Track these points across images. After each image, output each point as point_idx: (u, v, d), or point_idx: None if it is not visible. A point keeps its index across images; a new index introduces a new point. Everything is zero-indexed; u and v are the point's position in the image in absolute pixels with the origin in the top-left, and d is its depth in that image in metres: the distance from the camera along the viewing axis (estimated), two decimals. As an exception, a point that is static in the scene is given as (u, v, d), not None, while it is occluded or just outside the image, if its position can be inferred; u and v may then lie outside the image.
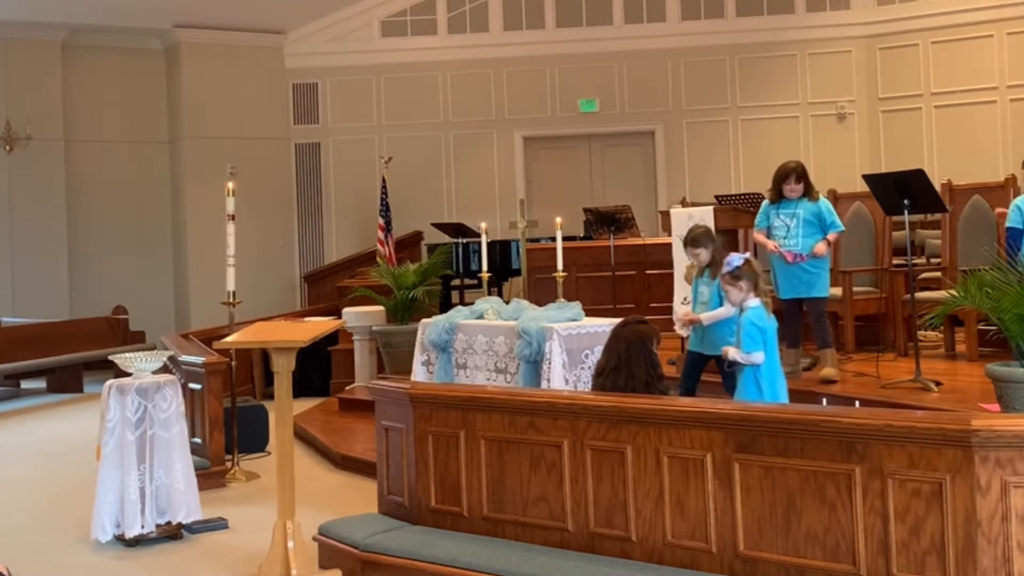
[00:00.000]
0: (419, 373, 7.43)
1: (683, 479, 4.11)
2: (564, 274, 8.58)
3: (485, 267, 9.55)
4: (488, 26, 14.19)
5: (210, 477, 6.98)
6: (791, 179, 6.78)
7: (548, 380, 6.42)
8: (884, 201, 6.76)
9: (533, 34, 14.14)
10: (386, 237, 12.63)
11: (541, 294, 9.10)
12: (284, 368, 5.01)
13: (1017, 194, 8.49)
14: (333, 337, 10.52)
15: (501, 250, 11.99)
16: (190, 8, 13.52)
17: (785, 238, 6.81)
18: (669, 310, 7.56)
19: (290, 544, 4.90)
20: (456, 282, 12.28)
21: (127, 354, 5.96)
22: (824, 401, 6.19)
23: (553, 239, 9.13)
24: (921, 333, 7.06)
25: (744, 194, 8.69)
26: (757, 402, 4.91)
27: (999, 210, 6.60)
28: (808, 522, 3.81)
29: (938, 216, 8.79)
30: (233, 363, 7.65)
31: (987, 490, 3.47)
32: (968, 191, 8.04)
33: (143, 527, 5.64)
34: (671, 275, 7.52)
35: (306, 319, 6.13)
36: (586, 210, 10.75)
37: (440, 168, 14.28)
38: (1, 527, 6.22)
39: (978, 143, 12.55)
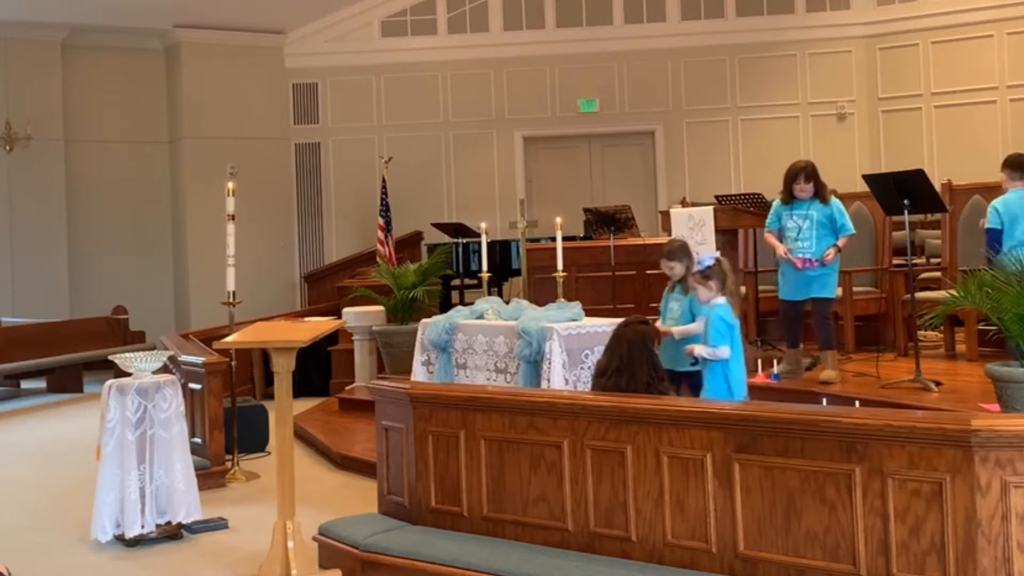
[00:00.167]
0: (419, 373, 7.43)
1: (683, 479, 4.11)
2: (564, 274, 8.58)
3: (485, 267, 9.55)
4: (488, 26, 14.19)
5: (210, 477, 6.98)
6: (800, 179, 6.73)
7: (548, 380, 6.42)
8: (884, 201, 6.76)
9: (533, 34, 14.14)
10: (386, 237, 12.63)
11: (541, 294, 9.09)
12: (284, 368, 5.01)
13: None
14: (333, 337, 10.52)
15: (501, 250, 11.99)
16: (190, 8, 13.52)
17: (797, 240, 6.76)
18: (669, 310, 7.54)
19: (290, 544, 4.90)
20: (456, 282, 12.28)
21: (127, 354, 5.96)
22: (824, 401, 6.19)
23: (553, 239, 9.12)
24: (921, 333, 7.07)
25: (744, 194, 8.68)
26: (757, 402, 4.92)
27: (983, 221, 6.65)
28: (808, 522, 3.81)
29: (938, 216, 8.79)
30: (233, 363, 7.65)
31: (987, 490, 3.47)
32: (968, 191, 8.04)
33: (143, 527, 5.64)
34: (671, 275, 7.50)
35: (306, 319, 6.13)
36: (586, 210, 10.74)
37: (440, 168, 14.28)
38: (1, 527, 6.22)
39: (978, 143, 12.54)
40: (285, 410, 5.05)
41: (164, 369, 6.48)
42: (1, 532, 6.10)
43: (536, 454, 4.56)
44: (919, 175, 6.54)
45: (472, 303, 7.64)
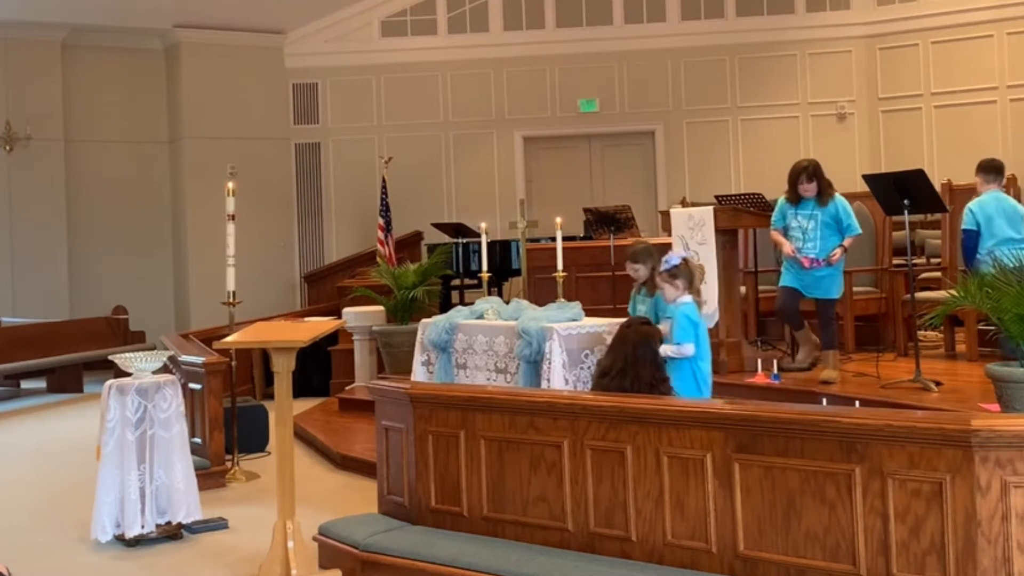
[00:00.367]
0: (419, 373, 7.42)
1: (683, 479, 4.11)
2: (564, 274, 8.58)
3: (485, 267, 9.55)
4: (488, 26, 14.19)
5: (210, 477, 6.98)
6: (802, 178, 6.72)
7: (548, 380, 6.41)
8: (884, 201, 6.76)
9: (533, 34, 14.14)
10: (386, 237, 12.63)
11: (541, 294, 9.09)
12: (284, 368, 5.01)
13: (1017, 194, 8.53)
14: (333, 337, 10.53)
15: (501, 250, 11.98)
16: (190, 8, 13.52)
17: (802, 241, 6.76)
18: (669, 310, 7.54)
19: (290, 544, 4.90)
20: (456, 282, 12.27)
21: (127, 354, 5.96)
22: (824, 401, 6.19)
23: (553, 239, 9.12)
24: (921, 333, 7.07)
25: (744, 194, 8.68)
26: (757, 402, 4.91)
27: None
28: (808, 522, 3.81)
29: (938, 216, 8.79)
30: (233, 363, 7.65)
31: (987, 490, 3.47)
32: (968, 191, 8.02)
33: (143, 527, 5.64)
34: (671, 275, 7.50)
35: (306, 319, 6.13)
36: (586, 210, 10.73)
37: (440, 168, 14.28)
38: (1, 527, 6.22)
39: (978, 143, 12.51)
40: (285, 410, 5.05)
41: (164, 369, 6.48)
42: (1, 532, 6.10)
43: (536, 454, 4.56)
44: (919, 175, 6.54)
45: (472, 303, 7.63)
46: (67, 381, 12.04)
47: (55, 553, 5.66)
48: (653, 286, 5.84)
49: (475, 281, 11.14)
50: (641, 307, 6.01)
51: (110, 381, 5.79)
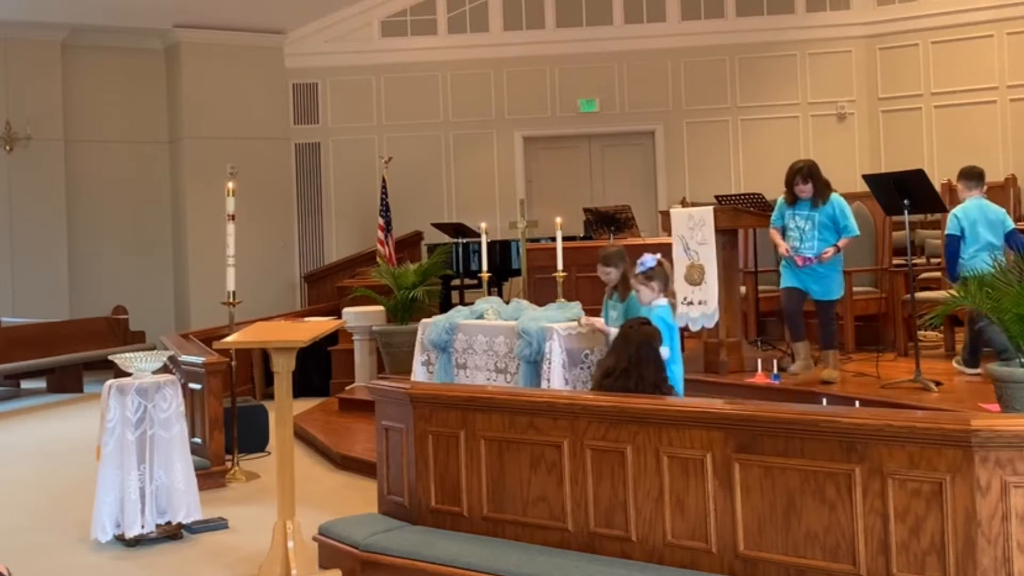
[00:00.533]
0: (419, 373, 7.42)
1: (683, 479, 4.11)
2: (564, 274, 8.58)
3: (485, 267, 9.55)
4: (488, 26, 14.19)
5: (210, 477, 6.98)
6: (798, 179, 6.69)
7: (548, 380, 6.41)
8: (884, 201, 6.75)
9: (533, 34, 14.14)
10: (386, 237, 12.63)
11: (541, 294, 9.10)
12: (284, 368, 5.01)
13: (1017, 194, 8.54)
14: (333, 337, 10.53)
15: (501, 250, 11.99)
16: (190, 8, 13.52)
17: (799, 241, 6.74)
18: (669, 310, 7.54)
19: (290, 544, 4.90)
20: (456, 282, 12.28)
21: (127, 354, 5.96)
22: (824, 401, 6.19)
23: (553, 239, 9.13)
24: (921, 333, 7.07)
25: (744, 194, 8.68)
26: (757, 402, 4.92)
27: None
28: (808, 522, 3.81)
29: (938, 216, 8.78)
30: (233, 363, 7.65)
31: (987, 490, 3.47)
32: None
33: (143, 527, 5.64)
34: (671, 275, 7.50)
35: (306, 319, 6.13)
36: (586, 210, 10.74)
37: (440, 168, 14.28)
38: (1, 527, 6.22)
39: (978, 143, 12.53)
40: (285, 410, 5.05)
41: (164, 369, 6.48)
42: (1, 532, 6.10)
43: (536, 454, 4.56)
44: (919, 175, 6.54)
45: (472, 303, 7.64)
46: (67, 381, 12.04)
47: (55, 553, 5.66)
48: (625, 289, 5.83)
49: (475, 281, 11.14)
50: (612, 312, 6.01)
51: (110, 381, 5.79)
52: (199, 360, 7.40)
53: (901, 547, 3.61)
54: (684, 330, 7.74)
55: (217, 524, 6.01)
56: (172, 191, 14.29)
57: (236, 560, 5.37)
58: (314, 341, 5.18)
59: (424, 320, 7.60)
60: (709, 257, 7.24)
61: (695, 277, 7.30)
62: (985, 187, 6.92)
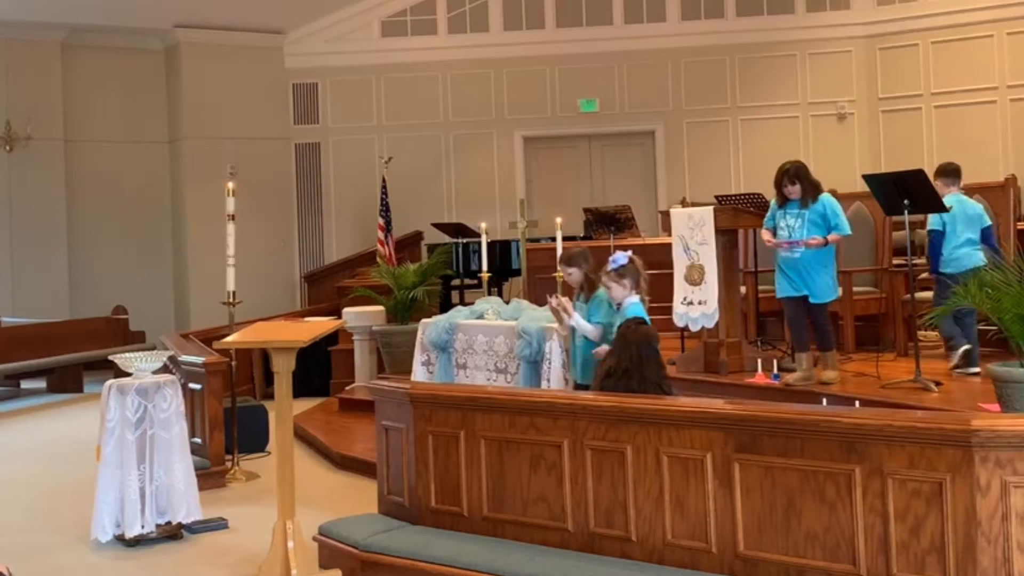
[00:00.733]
0: (419, 373, 7.43)
1: (683, 479, 4.11)
2: (564, 274, 8.57)
3: (485, 267, 9.55)
4: (488, 26, 14.19)
5: (210, 477, 6.98)
6: (785, 180, 6.71)
7: (548, 380, 6.42)
8: (884, 201, 6.75)
9: (533, 34, 14.13)
10: (386, 237, 12.64)
11: (541, 294, 9.08)
12: (284, 368, 5.01)
13: (1017, 194, 8.52)
14: (333, 337, 10.53)
15: (501, 250, 11.99)
16: (190, 8, 13.52)
17: (789, 239, 6.74)
18: (669, 310, 7.55)
19: (290, 544, 4.91)
20: (456, 282, 12.28)
21: (127, 354, 5.97)
22: (824, 401, 6.19)
23: (553, 239, 9.13)
24: (921, 333, 7.06)
25: (744, 194, 8.68)
26: (757, 402, 4.92)
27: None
28: (808, 522, 3.81)
29: (938, 216, 8.77)
30: (233, 363, 7.66)
31: (987, 490, 3.47)
32: (968, 191, 8.02)
33: (143, 527, 5.64)
34: (671, 275, 7.50)
35: (306, 319, 6.13)
36: (586, 210, 10.73)
37: (440, 168, 14.29)
38: (1, 527, 6.22)
39: (978, 143, 12.53)
40: (285, 410, 5.05)
41: (164, 369, 6.49)
42: (1, 532, 6.11)
43: (536, 454, 4.56)
44: (919, 175, 6.54)
45: (472, 303, 7.65)
46: (67, 381, 12.04)
47: (55, 553, 5.66)
48: (590, 289, 5.80)
49: (475, 281, 11.14)
50: (578, 312, 5.98)
51: (110, 381, 5.80)
52: (199, 360, 7.40)
53: (901, 547, 3.61)
54: (684, 330, 7.77)
55: (217, 524, 6.01)
56: (172, 191, 14.29)
57: (236, 560, 5.38)
58: (314, 341, 5.18)
59: (424, 320, 7.61)
60: (709, 257, 7.23)
61: (695, 277, 7.30)
62: (961, 183, 7.08)
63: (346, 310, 10.04)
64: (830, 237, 6.64)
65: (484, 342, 7.00)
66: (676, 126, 13.97)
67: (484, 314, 7.25)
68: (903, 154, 12.51)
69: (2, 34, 13.16)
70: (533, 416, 4.59)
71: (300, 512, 5.06)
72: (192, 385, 7.41)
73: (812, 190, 6.70)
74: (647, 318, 5.32)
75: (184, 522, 5.79)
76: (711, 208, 7.41)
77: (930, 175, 6.76)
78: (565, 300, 5.81)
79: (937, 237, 6.75)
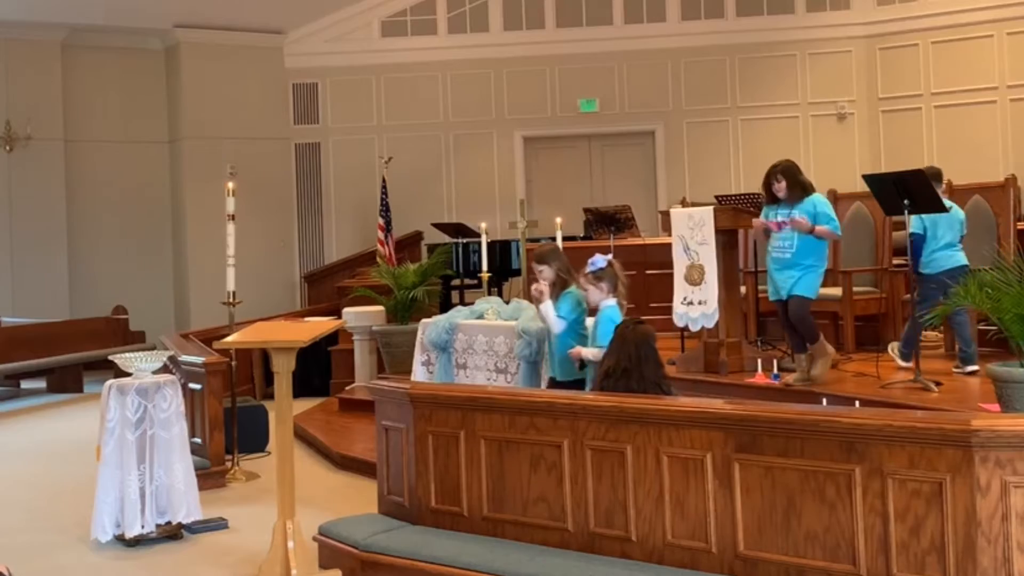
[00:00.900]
0: (419, 373, 7.43)
1: (683, 479, 4.11)
2: (564, 274, 8.56)
3: (485, 267, 9.55)
4: (488, 26, 14.19)
5: (210, 477, 6.98)
6: (772, 179, 6.74)
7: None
8: (884, 201, 6.76)
9: (533, 34, 14.13)
10: (386, 237, 12.64)
11: (541, 294, 9.08)
12: (284, 368, 5.01)
13: (1017, 194, 8.53)
14: (333, 337, 10.53)
15: (501, 250, 11.99)
16: (190, 8, 13.52)
17: (779, 239, 6.73)
18: (669, 310, 7.56)
19: (290, 544, 4.91)
20: (456, 282, 12.28)
21: (127, 354, 5.97)
22: (824, 401, 6.19)
23: (553, 239, 9.12)
24: (921, 333, 7.07)
25: (744, 194, 8.69)
26: (757, 402, 4.92)
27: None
28: (808, 522, 3.81)
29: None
30: (233, 363, 7.66)
31: (987, 490, 3.47)
32: (968, 191, 8.04)
33: (143, 527, 5.64)
34: (671, 275, 7.51)
35: (306, 319, 6.13)
36: (586, 210, 10.74)
37: (440, 168, 14.29)
38: (1, 527, 6.22)
39: (978, 143, 12.54)
40: (285, 410, 5.05)
41: (164, 369, 6.49)
42: (1, 531, 6.11)
43: (536, 454, 4.56)
44: (919, 175, 6.55)
45: (472, 303, 7.64)
46: (67, 381, 12.04)
47: (55, 553, 5.66)
48: (562, 287, 5.76)
49: (475, 281, 11.15)
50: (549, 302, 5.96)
51: (110, 381, 5.80)
52: (199, 360, 7.40)
53: (901, 547, 3.61)
54: (684, 330, 7.77)
55: (217, 524, 6.01)
56: (172, 191, 14.29)
57: (236, 560, 5.38)
58: (314, 341, 5.18)
59: (424, 320, 7.60)
60: (709, 257, 7.23)
61: (695, 277, 7.31)
62: (944, 186, 7.21)
63: (346, 310, 10.04)
64: (817, 227, 6.59)
65: (484, 342, 7.00)
66: (676, 126, 13.97)
67: (484, 314, 7.24)
68: (903, 154, 12.51)
69: (2, 34, 13.16)
70: (533, 416, 4.59)
71: (300, 512, 5.07)
72: (192, 385, 7.41)
73: (799, 188, 6.69)
74: (620, 320, 5.30)
75: (184, 522, 5.79)
76: (711, 208, 7.42)
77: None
78: (545, 286, 5.80)
79: (918, 240, 6.84)
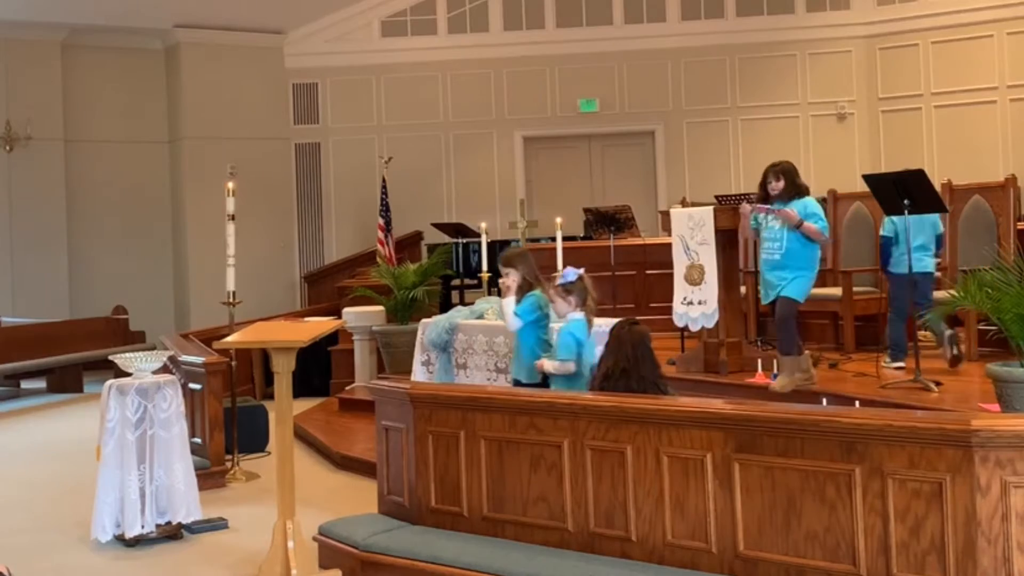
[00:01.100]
0: (419, 373, 7.43)
1: (683, 479, 4.12)
2: (564, 274, 8.56)
3: (485, 267, 9.55)
4: (488, 26, 14.18)
5: (210, 477, 6.98)
6: (769, 177, 6.72)
7: (548, 380, 6.39)
8: (884, 201, 6.76)
9: (533, 34, 14.13)
10: (386, 237, 12.63)
11: (541, 294, 9.08)
12: (284, 368, 5.01)
13: (1017, 194, 8.52)
14: (333, 337, 10.52)
15: (501, 250, 11.91)
16: (190, 8, 13.52)
17: (769, 241, 6.69)
18: (669, 310, 7.56)
19: (290, 544, 4.90)
20: (456, 282, 12.28)
21: (127, 354, 5.97)
22: (824, 401, 6.19)
23: (553, 239, 9.13)
24: (921, 333, 7.07)
25: (744, 194, 8.69)
26: (757, 402, 4.92)
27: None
28: (808, 522, 3.81)
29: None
30: (233, 363, 7.65)
31: (987, 490, 3.47)
32: (968, 191, 8.03)
33: (143, 527, 5.64)
34: (671, 275, 7.51)
35: (306, 319, 6.13)
36: (586, 210, 10.75)
37: (440, 168, 14.28)
38: (1, 527, 6.22)
39: (978, 143, 12.54)
40: (285, 410, 5.05)
41: (164, 369, 6.49)
42: (1, 532, 6.11)
43: (536, 454, 4.56)
44: (919, 175, 6.55)
45: (472, 303, 7.65)
46: (67, 381, 12.03)
47: (55, 553, 5.66)
48: (523, 291, 5.71)
49: (475, 281, 11.15)
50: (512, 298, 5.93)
51: (110, 381, 5.79)
52: (199, 360, 7.40)
53: (901, 547, 3.61)
54: (684, 330, 7.77)
55: (217, 524, 6.01)
56: (172, 191, 14.29)
57: (236, 560, 5.38)
58: (314, 341, 5.18)
59: (424, 320, 7.60)
60: (709, 257, 7.24)
61: (695, 277, 7.31)
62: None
63: (346, 310, 10.03)
64: (805, 223, 6.53)
65: (484, 342, 7.01)
66: (676, 126, 13.97)
67: (484, 314, 7.25)
68: (903, 154, 12.51)
69: (2, 34, 13.16)
70: (533, 416, 4.59)
71: (300, 512, 5.06)
72: (192, 385, 7.40)
73: (793, 189, 6.65)
74: (583, 339, 5.31)
75: (184, 522, 5.79)
76: (711, 208, 7.42)
77: (930, 175, 6.76)
78: (511, 288, 5.76)
79: (886, 242, 7.06)
